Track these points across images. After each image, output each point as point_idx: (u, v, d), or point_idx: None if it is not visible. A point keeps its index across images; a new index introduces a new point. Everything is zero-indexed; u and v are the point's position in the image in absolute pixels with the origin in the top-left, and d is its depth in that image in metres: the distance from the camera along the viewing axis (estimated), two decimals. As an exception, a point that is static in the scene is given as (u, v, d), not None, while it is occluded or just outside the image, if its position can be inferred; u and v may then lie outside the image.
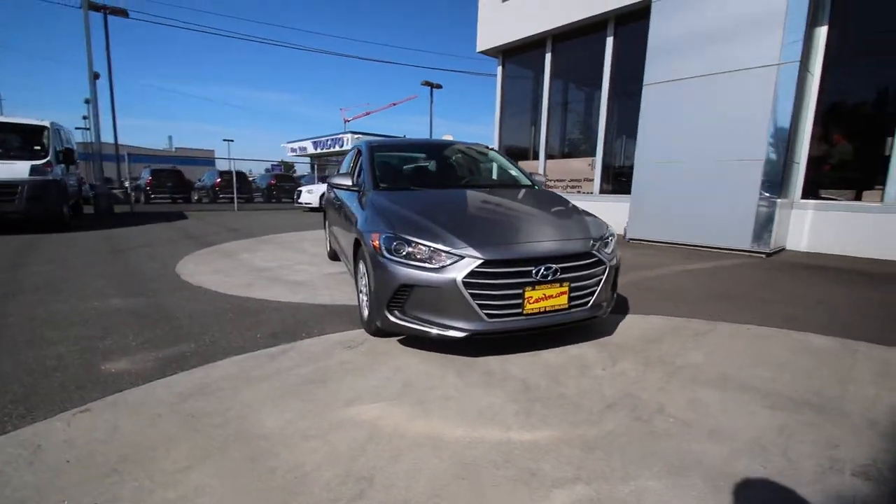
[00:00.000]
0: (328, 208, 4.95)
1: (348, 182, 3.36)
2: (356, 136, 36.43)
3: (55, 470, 1.53)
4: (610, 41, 7.79)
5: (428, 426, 1.83)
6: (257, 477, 1.51)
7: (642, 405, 1.99)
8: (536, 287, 2.33)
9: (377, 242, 2.51)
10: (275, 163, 37.55)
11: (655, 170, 6.43)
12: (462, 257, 2.28)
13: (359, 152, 4.28)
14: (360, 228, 2.83)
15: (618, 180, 8.03)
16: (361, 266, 2.91)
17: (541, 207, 3.00)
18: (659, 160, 6.36)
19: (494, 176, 3.87)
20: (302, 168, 38.02)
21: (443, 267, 2.30)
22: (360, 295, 3.06)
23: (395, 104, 52.33)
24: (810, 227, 5.80)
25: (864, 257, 5.33)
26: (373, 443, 1.70)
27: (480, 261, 2.27)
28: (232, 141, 57.95)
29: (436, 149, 4.36)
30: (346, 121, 47.60)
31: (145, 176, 19.51)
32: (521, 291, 2.31)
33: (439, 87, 29.72)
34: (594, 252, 2.54)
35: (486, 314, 2.29)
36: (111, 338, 2.80)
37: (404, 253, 2.40)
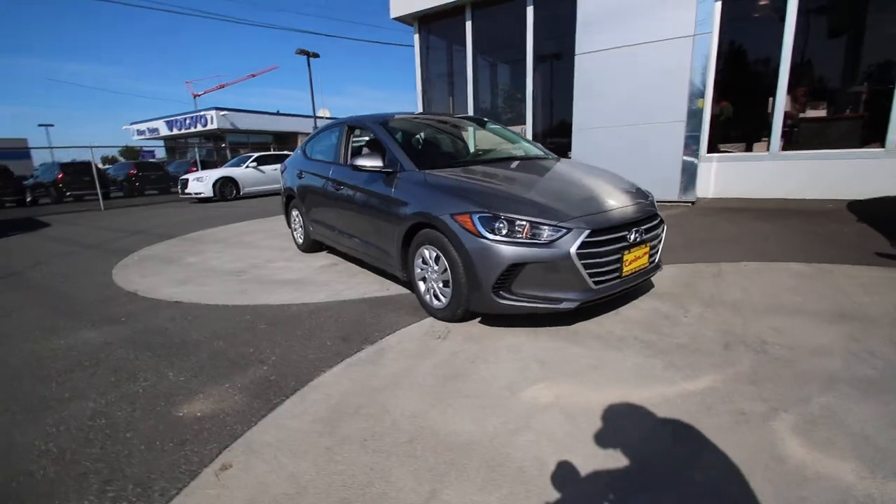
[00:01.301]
0: (304, 196, 4.44)
1: (379, 163, 3.07)
2: (223, 112, 32.40)
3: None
4: (531, 10, 8.07)
5: (609, 394, 1.88)
6: (523, 483, 1.43)
7: (746, 340, 2.30)
8: (631, 250, 2.48)
9: (471, 223, 2.40)
10: (145, 149, 31.68)
11: (592, 135, 7.01)
12: (570, 230, 2.31)
13: (349, 130, 3.90)
14: (427, 211, 2.65)
15: (549, 146, 8.55)
16: (427, 252, 2.75)
17: (593, 175, 3.10)
18: (595, 126, 6.94)
19: (513, 148, 3.85)
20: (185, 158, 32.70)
21: (552, 241, 2.30)
22: (420, 283, 2.90)
23: (253, 75, 47.37)
24: (715, 176, 6.94)
25: (759, 198, 6.58)
26: (580, 420, 1.71)
27: (588, 231, 2.32)
28: (52, 126, 47.04)
29: (444, 124, 4.15)
30: (195, 95, 41.86)
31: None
32: (620, 256, 2.44)
33: (316, 55, 27.51)
34: (658, 212, 2.77)
35: (595, 282, 2.38)
36: (143, 379, 2.25)
37: (507, 231, 2.33)
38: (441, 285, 2.71)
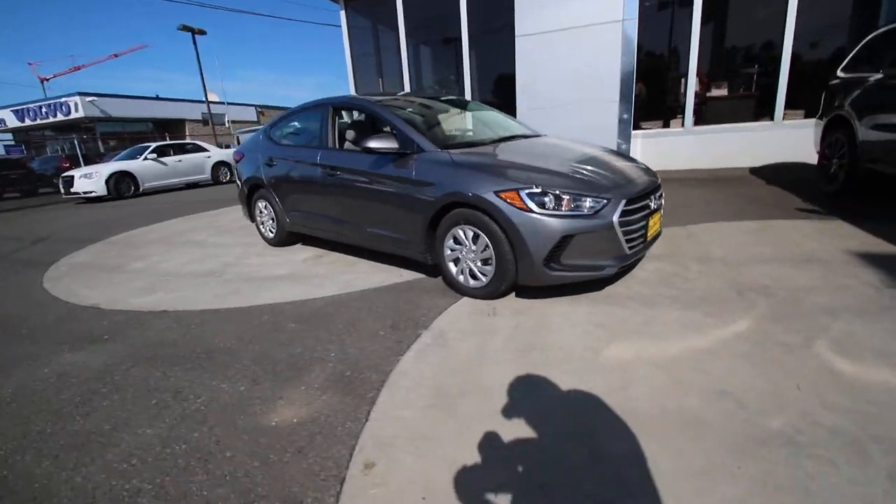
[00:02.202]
0: (277, 185, 4.11)
1: (394, 144, 2.96)
2: (90, 98, 27.79)
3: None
4: (464, -9, 8.11)
5: (677, 344, 2.12)
6: (681, 426, 1.58)
7: (752, 286, 2.69)
8: (652, 216, 2.75)
9: (519, 199, 2.46)
10: (8, 143, 25.89)
11: (536, 114, 7.34)
12: (609, 200, 2.49)
13: (334, 112, 3.68)
14: (462, 191, 2.64)
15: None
16: (461, 232, 2.76)
17: (599, 150, 3.30)
18: (538, 106, 7.28)
19: (508, 127, 3.91)
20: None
21: (597, 212, 2.46)
22: (450, 264, 2.91)
23: (116, 55, 40.92)
24: (641, 151, 7.73)
25: (679, 169, 7.49)
26: (672, 370, 1.91)
27: (625, 200, 2.52)
28: None
29: (432, 104, 4.04)
30: (42, 80, 35.48)
31: None
32: (646, 222, 2.69)
33: (203, 32, 24.53)
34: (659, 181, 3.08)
35: (629, 247, 2.60)
36: (194, 396, 2.00)
37: (554, 205, 2.44)
38: (480, 264, 2.75)
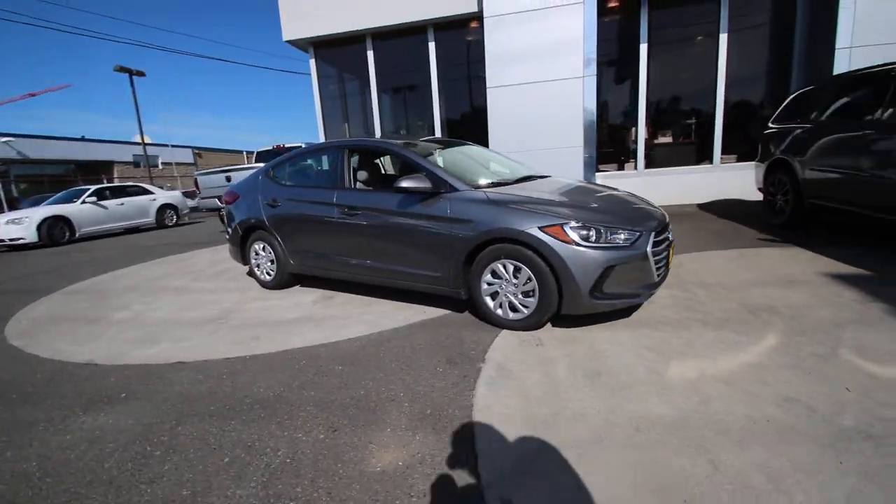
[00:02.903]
0: (280, 225, 4.00)
1: (427, 184, 3.05)
2: (4, 139, 25.34)
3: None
4: (432, 46, 8.62)
5: (729, 361, 2.31)
6: (773, 433, 1.71)
7: (760, 307, 2.99)
8: (671, 246, 3.02)
9: (564, 234, 2.62)
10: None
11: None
12: (642, 232, 2.72)
13: (349, 153, 3.72)
14: (506, 227, 2.76)
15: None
16: (501, 266, 2.86)
17: (609, 189, 3.59)
18: (511, 150, 7.71)
19: (518, 168, 4.12)
20: None
21: (632, 244, 2.67)
22: (487, 298, 2.97)
23: (33, 94, 37.28)
24: (602, 191, 8.42)
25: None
26: (736, 384, 2.08)
27: (655, 232, 2.77)
28: None
29: (452, 145, 4.17)
30: None
31: None
32: (668, 251, 2.95)
33: (141, 74, 23.60)
34: (665, 216, 3.40)
35: (657, 274, 2.82)
36: (269, 450, 1.86)
37: (595, 238, 2.63)
38: (521, 296, 2.84)
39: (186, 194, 15.05)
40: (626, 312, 3.01)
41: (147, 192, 12.38)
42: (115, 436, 2.04)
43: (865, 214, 4.15)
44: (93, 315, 3.99)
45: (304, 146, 11.04)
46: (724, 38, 7.58)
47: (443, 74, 8.77)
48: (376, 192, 3.58)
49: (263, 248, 4.28)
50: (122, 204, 11.41)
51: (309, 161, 4.13)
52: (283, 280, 4.26)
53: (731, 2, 7.45)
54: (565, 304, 2.69)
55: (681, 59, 8.06)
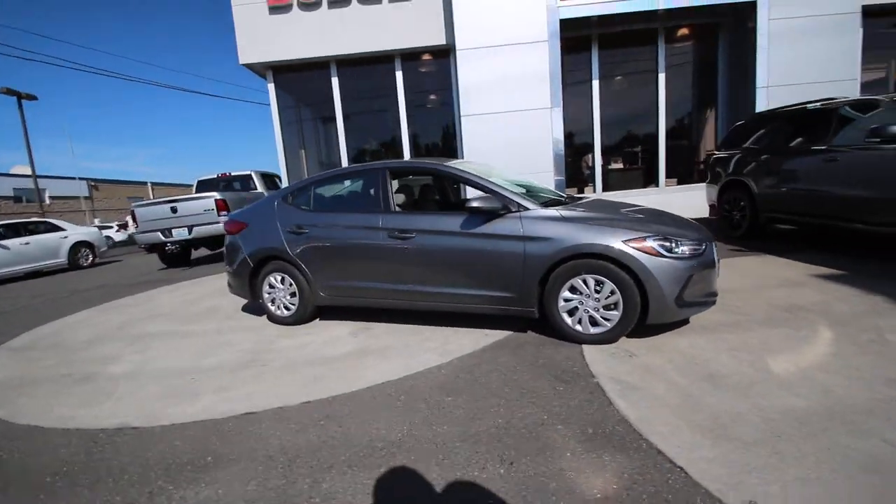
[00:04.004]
0: (309, 255, 3.70)
1: (497, 204, 3.05)
2: None
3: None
4: (400, 74, 8.71)
5: (811, 354, 2.55)
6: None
7: (791, 306, 3.35)
8: (717, 256, 3.31)
9: (650, 247, 2.76)
10: None
11: (482, 183, 7.99)
12: (708, 243, 2.96)
13: (385, 173, 3.58)
14: (590, 242, 2.83)
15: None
16: (581, 281, 2.91)
17: (648, 207, 3.82)
18: (486, 175, 7.96)
19: (542, 188, 4.21)
20: None
21: (701, 253, 2.89)
22: (564, 315, 3.00)
23: None
24: (566, 213, 8.94)
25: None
26: (836, 372, 2.31)
27: (713, 241, 3.02)
28: None
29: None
30: None
31: None
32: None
33: (32, 98, 20.45)
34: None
35: (716, 282, 3.07)
36: (457, 489, 1.67)
37: (675, 250, 2.80)
38: (602, 310, 2.90)
39: (115, 227, 13.25)
40: (681, 321, 3.20)
41: (56, 228, 10.67)
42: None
43: (813, 223, 4.95)
44: (77, 372, 3.31)
45: (252, 173, 10.49)
46: (662, 77, 8.63)
47: (410, 101, 8.86)
48: (431, 214, 3.48)
49: (282, 280, 3.91)
50: (28, 243, 9.70)
51: (341, 184, 3.90)
52: (306, 314, 3.90)
53: (667, 44, 8.55)
54: (652, 314, 2.80)
55: (628, 95, 9.00)
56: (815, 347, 2.62)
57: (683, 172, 9.14)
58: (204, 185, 10.52)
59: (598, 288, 2.90)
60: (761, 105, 7.60)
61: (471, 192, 4.37)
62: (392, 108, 8.86)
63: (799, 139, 5.21)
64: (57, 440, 2.34)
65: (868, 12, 7.50)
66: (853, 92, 7.47)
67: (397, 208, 3.57)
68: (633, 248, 2.77)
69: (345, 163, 9.00)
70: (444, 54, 8.66)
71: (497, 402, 2.31)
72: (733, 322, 3.14)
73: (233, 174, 10.47)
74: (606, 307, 2.90)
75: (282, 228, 3.84)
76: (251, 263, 3.98)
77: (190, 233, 8.24)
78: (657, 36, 8.55)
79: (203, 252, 10.69)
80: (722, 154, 6.63)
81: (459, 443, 1.99)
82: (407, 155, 8.93)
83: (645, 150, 9.10)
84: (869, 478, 1.55)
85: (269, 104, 8.94)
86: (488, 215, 3.13)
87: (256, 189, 10.17)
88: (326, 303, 3.79)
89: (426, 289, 3.38)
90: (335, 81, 8.77)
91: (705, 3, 7.65)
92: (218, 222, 8.25)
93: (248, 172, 10.37)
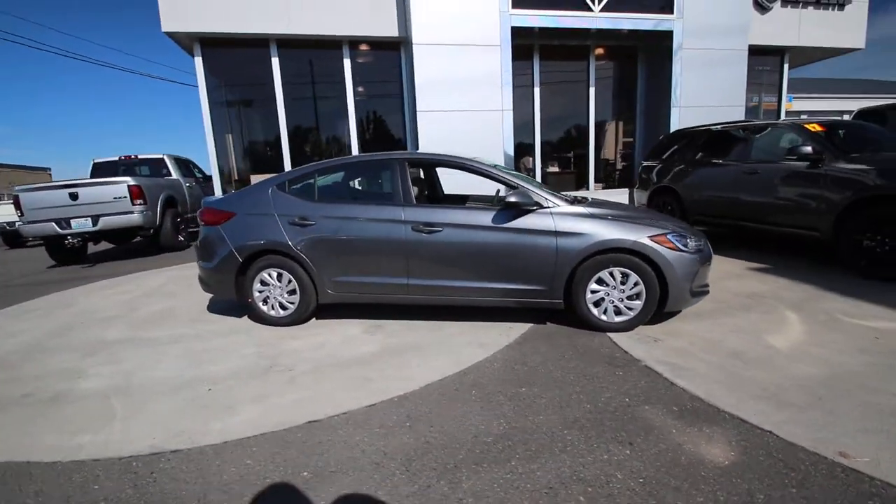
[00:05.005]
0: (316, 249, 3.41)
1: (528, 200, 3.14)
2: None
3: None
4: (347, 62, 8.30)
5: (810, 328, 3.07)
6: None
7: (748, 294, 3.97)
8: (700, 252, 3.79)
9: (670, 242, 3.07)
10: None
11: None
12: (703, 240, 3.38)
13: (404, 165, 3.47)
14: (619, 237, 3.07)
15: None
16: (608, 274, 3.14)
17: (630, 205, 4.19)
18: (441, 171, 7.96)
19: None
20: None
21: (702, 249, 3.29)
22: (591, 306, 3.21)
23: None
24: (509, 211, 9.35)
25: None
26: (846, 342, 2.83)
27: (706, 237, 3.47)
28: None
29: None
30: None
31: None
32: (703, 256, 3.70)
33: None
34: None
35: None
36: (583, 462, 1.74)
37: (688, 245, 3.16)
38: (626, 300, 3.16)
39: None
40: (674, 311, 3.62)
41: None
42: (394, 516, 1.56)
43: (737, 225, 5.91)
44: (38, 391, 2.63)
45: (165, 157, 9.16)
46: (592, 91, 9.49)
47: (358, 91, 8.52)
48: (458, 208, 3.44)
49: (278, 277, 3.54)
50: None
51: (351, 174, 3.63)
52: (306, 314, 3.60)
53: (596, 61, 9.41)
54: (671, 302, 3.13)
55: (563, 103, 9.71)
56: (793, 326, 3.17)
57: (606, 178, 10.16)
58: (100, 168, 8.97)
59: (623, 280, 3.15)
60: (675, 122, 8.76)
61: (473, 189, 4.42)
62: (339, 96, 8.44)
63: (720, 153, 6.16)
64: (76, 477, 1.87)
65: (752, 50, 9.08)
66: (741, 116, 8.99)
67: (415, 201, 3.47)
68: (657, 243, 3.07)
69: (286, 150, 8.35)
70: (395, 47, 8.50)
71: (572, 390, 2.41)
72: (716, 308, 3.63)
73: (139, 157, 9.08)
74: (630, 297, 3.17)
75: (280, 220, 3.48)
76: (240, 258, 3.53)
77: (95, 224, 6.95)
78: (589, 53, 9.37)
79: (103, 246, 9.10)
80: (651, 163, 7.52)
81: (566, 430, 2.04)
82: (354, 147, 8.58)
83: (577, 156, 9.92)
84: (904, 425, 1.97)
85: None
86: (522, 211, 3.20)
87: (171, 175, 8.95)
88: (334, 300, 3.53)
89: (452, 283, 3.34)
90: (275, 62, 8.07)
91: (631, 28, 8.58)
92: (132, 212, 7.11)
93: (159, 156, 9.07)
